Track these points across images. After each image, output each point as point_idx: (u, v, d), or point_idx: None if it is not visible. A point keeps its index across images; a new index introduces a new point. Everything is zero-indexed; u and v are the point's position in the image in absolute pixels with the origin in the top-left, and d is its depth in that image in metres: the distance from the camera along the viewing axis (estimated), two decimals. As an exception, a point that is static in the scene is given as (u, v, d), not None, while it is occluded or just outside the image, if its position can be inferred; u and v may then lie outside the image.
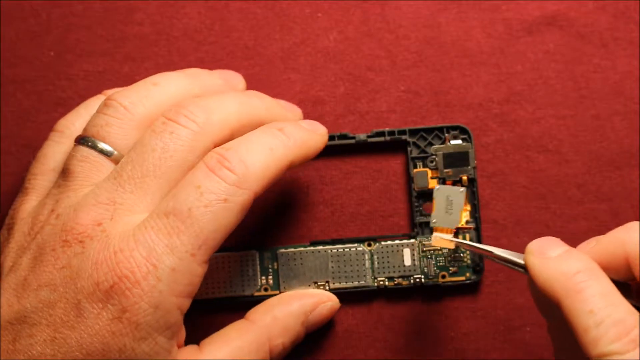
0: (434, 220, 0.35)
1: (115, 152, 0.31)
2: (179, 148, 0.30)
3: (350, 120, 0.39)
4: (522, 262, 0.29)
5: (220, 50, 0.39)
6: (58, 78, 0.39)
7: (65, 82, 0.39)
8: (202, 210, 0.29)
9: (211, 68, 0.39)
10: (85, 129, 0.32)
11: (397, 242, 0.37)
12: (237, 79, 0.36)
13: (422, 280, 0.37)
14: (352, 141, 0.38)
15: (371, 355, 0.37)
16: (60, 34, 0.39)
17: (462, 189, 0.35)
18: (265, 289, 0.37)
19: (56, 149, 0.33)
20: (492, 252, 0.31)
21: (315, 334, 0.37)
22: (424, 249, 0.37)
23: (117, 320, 0.28)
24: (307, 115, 0.38)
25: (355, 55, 0.39)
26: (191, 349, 0.31)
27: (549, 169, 0.38)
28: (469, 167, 0.37)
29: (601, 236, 0.29)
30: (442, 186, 0.36)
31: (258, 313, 0.34)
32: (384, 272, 0.37)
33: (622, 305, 0.25)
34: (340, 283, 0.37)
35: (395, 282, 0.37)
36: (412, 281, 0.37)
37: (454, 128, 0.38)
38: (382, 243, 0.37)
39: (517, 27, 0.39)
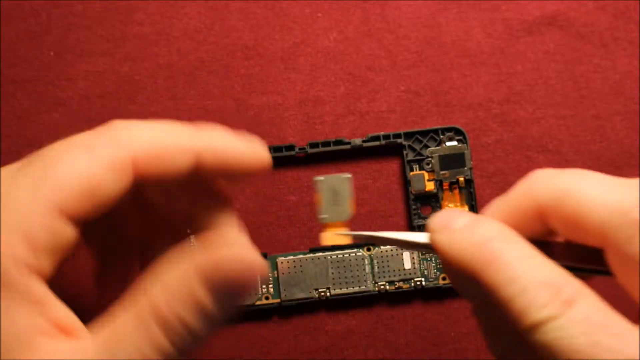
0: (323, 216, 0.29)
1: None
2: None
3: (350, 121, 0.39)
4: (427, 241, 0.25)
5: (220, 50, 0.39)
6: (58, 78, 0.39)
7: (65, 82, 0.39)
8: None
9: (211, 68, 0.39)
10: None
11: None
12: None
13: (423, 283, 0.37)
14: (348, 146, 0.38)
15: (371, 355, 0.37)
16: (60, 34, 0.39)
17: (347, 175, 0.30)
18: (267, 298, 0.37)
19: None
20: (393, 238, 0.27)
21: (315, 334, 0.37)
22: (423, 252, 0.37)
23: None
24: (307, 115, 0.38)
25: (355, 55, 0.39)
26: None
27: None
28: (466, 168, 0.37)
29: (505, 195, 0.26)
30: (325, 176, 0.30)
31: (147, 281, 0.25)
32: (384, 277, 0.37)
33: (546, 265, 0.22)
34: (341, 289, 0.37)
35: (396, 286, 0.37)
36: (412, 284, 0.37)
37: (449, 130, 0.38)
38: (382, 247, 0.37)
39: (517, 27, 0.39)
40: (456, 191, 0.38)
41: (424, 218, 0.37)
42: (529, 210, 0.25)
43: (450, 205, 0.38)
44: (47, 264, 0.23)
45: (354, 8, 0.39)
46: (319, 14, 0.39)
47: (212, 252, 0.25)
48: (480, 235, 0.24)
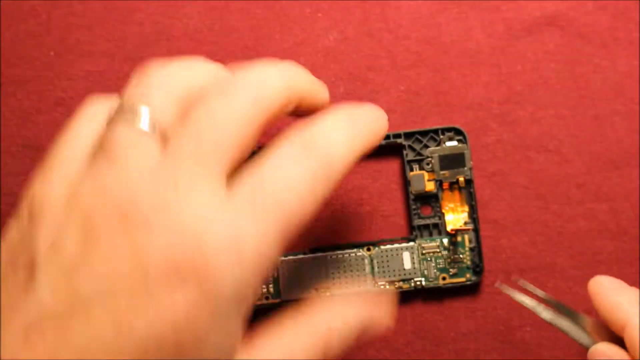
0: None
1: (159, 123, 0.26)
2: (240, 112, 0.26)
3: (350, 120, 0.39)
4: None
5: (220, 50, 0.39)
6: (58, 78, 0.39)
7: (65, 82, 0.39)
8: (290, 195, 0.26)
9: (211, 68, 0.39)
10: (123, 101, 0.27)
11: (396, 245, 0.37)
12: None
13: (423, 283, 0.37)
14: None
15: (371, 355, 0.37)
16: (60, 34, 0.39)
17: None
18: (267, 297, 0.37)
19: (87, 128, 0.28)
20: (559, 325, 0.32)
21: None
22: (423, 251, 0.37)
23: (193, 304, 0.24)
24: (307, 115, 0.38)
25: (355, 55, 0.39)
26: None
27: (549, 169, 0.38)
28: (466, 168, 0.37)
29: None
30: None
31: (315, 308, 0.28)
32: (384, 276, 0.37)
33: None
34: (341, 289, 0.37)
35: (396, 286, 0.37)
36: (412, 284, 0.37)
37: (449, 130, 0.38)
38: (382, 247, 0.37)
39: (517, 27, 0.39)
40: (456, 191, 0.38)
41: (424, 218, 0.37)
42: None
43: (450, 205, 0.38)
44: (260, 290, 0.27)
45: (354, 8, 0.39)
46: (319, 14, 0.39)
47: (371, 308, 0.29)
48: None
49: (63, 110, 0.38)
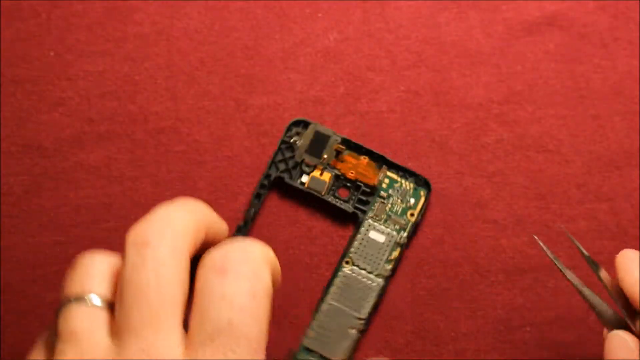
0: None
1: (104, 299, 0.29)
2: (167, 267, 0.28)
3: (350, 121, 0.39)
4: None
5: (220, 50, 0.39)
6: (58, 78, 0.39)
7: (65, 82, 0.39)
8: (241, 316, 0.27)
9: (211, 68, 0.39)
10: (64, 290, 0.29)
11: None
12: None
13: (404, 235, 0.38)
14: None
15: (371, 355, 0.37)
16: (60, 34, 0.39)
17: None
18: None
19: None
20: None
21: (315, 334, 0.37)
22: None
23: None
24: (307, 115, 0.38)
25: (355, 55, 0.39)
26: None
27: (549, 169, 0.38)
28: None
29: None
30: None
31: None
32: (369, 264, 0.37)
33: None
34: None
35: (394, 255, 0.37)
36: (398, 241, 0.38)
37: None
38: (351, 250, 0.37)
39: (517, 27, 0.39)
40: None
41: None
42: None
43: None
44: None
45: (354, 8, 0.39)
46: (319, 14, 0.39)
47: None
48: None
49: (63, 110, 0.38)
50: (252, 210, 0.38)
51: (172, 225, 0.30)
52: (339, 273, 0.37)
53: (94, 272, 0.30)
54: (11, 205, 0.38)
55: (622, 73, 0.39)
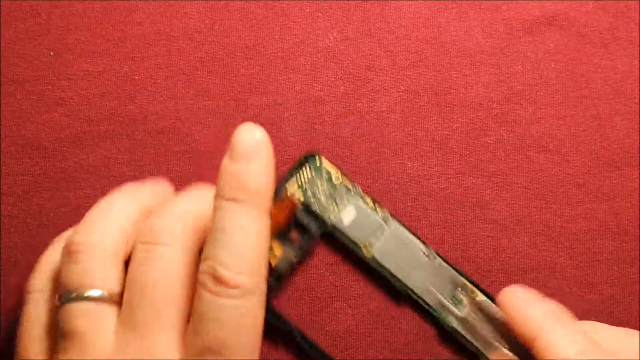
0: None
1: (109, 294, 0.29)
2: (173, 267, 0.29)
3: (350, 121, 0.39)
4: None
5: (220, 50, 0.39)
6: (58, 78, 0.39)
7: (65, 82, 0.39)
8: (233, 336, 0.28)
9: (211, 68, 0.39)
10: (65, 284, 0.30)
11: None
12: (163, 187, 0.35)
13: None
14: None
15: (371, 356, 0.37)
16: (60, 34, 0.39)
17: None
18: None
19: (41, 311, 0.31)
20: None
21: (315, 335, 0.37)
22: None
23: None
24: (307, 115, 0.38)
25: (355, 55, 0.39)
26: None
27: (549, 169, 0.38)
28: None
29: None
30: None
31: None
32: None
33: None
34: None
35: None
36: None
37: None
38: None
39: (517, 27, 0.39)
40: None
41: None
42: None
43: None
44: None
45: (354, 8, 0.39)
46: (319, 14, 0.39)
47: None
48: None
49: (63, 110, 0.38)
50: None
51: (183, 222, 0.30)
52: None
53: (96, 260, 0.30)
54: (11, 205, 0.38)
55: (623, 73, 0.39)
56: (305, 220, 0.36)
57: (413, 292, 0.36)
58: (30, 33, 0.39)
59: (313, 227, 0.36)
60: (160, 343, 0.28)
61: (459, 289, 0.36)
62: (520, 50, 0.39)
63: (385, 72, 0.39)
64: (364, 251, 0.37)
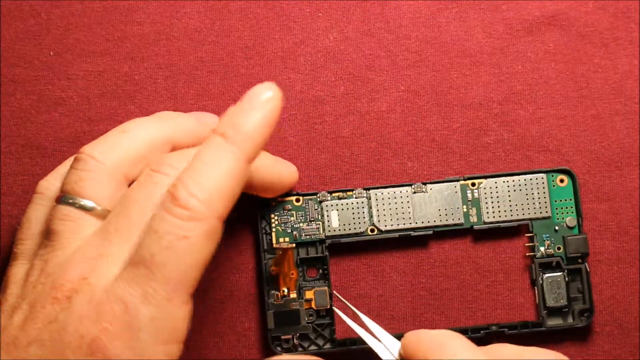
0: None
1: (95, 206, 0.31)
2: (159, 191, 0.29)
3: (350, 120, 0.39)
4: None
5: (220, 50, 0.39)
6: (58, 78, 0.39)
7: (65, 82, 0.39)
8: (165, 254, 0.28)
9: (211, 68, 0.39)
10: (62, 188, 0.32)
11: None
12: (210, 119, 0.35)
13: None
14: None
15: (371, 355, 0.37)
16: (60, 34, 0.39)
17: None
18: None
19: (39, 212, 0.33)
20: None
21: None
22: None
23: None
24: (307, 115, 0.38)
25: (355, 55, 0.39)
26: None
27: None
28: None
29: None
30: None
31: None
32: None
33: None
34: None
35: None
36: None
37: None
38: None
39: (517, 27, 0.39)
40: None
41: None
42: None
43: None
44: (179, 347, 0.29)
45: (354, 8, 0.39)
46: (319, 14, 0.39)
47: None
48: None
49: (63, 110, 0.38)
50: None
51: (188, 160, 0.30)
52: None
53: (92, 173, 0.31)
54: (11, 205, 0.38)
55: (623, 73, 0.39)
56: (308, 251, 0.37)
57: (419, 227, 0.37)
58: (30, 33, 0.39)
59: (318, 250, 0.37)
60: (113, 253, 0.29)
61: None
62: (520, 50, 0.39)
63: (385, 72, 0.39)
64: (368, 232, 0.37)
